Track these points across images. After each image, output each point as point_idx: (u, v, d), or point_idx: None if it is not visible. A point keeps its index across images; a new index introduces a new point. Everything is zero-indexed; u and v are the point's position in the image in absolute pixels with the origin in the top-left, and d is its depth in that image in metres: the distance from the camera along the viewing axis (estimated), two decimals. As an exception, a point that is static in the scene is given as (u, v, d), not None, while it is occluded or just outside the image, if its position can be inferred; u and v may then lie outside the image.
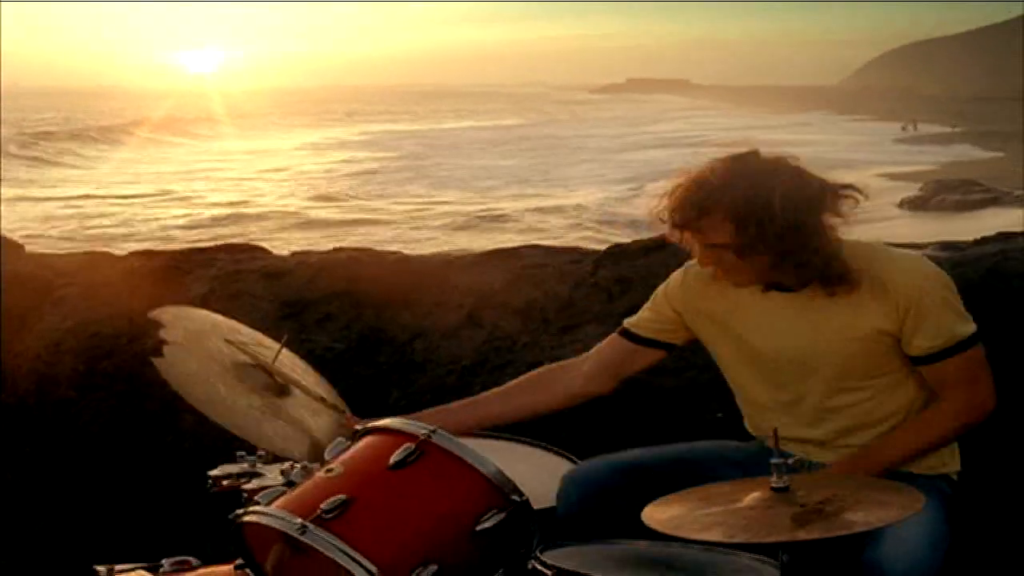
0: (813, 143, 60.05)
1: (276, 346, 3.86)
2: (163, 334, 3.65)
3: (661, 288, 3.73)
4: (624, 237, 7.34)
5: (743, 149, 3.28)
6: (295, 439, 3.51)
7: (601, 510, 3.32)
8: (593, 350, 3.88)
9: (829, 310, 3.29)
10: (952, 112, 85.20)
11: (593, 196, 40.71)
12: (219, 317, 4.07)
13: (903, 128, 77.81)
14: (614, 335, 3.84)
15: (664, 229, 3.37)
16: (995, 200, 34.51)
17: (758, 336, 3.48)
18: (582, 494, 3.41)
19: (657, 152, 57.01)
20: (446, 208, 38.32)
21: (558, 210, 37.29)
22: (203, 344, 3.74)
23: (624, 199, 38.52)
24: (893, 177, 40.23)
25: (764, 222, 3.12)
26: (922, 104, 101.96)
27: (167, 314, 3.82)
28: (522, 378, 3.96)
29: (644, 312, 3.78)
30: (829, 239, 3.21)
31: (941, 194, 35.33)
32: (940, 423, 3.34)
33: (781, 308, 3.36)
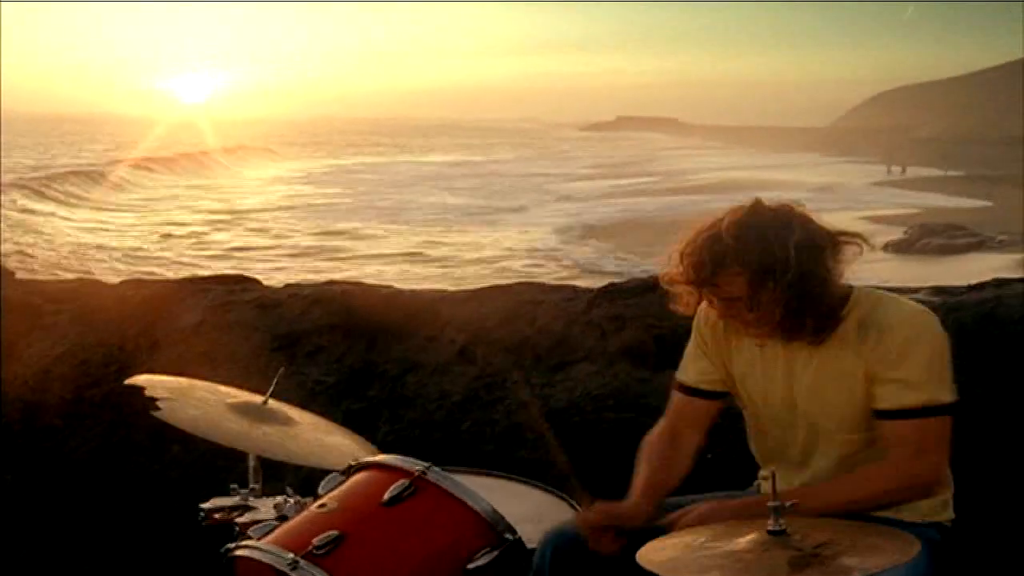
0: (797, 184, 60.36)
1: (252, 396, 3.85)
2: (148, 393, 3.63)
3: (694, 330, 3.65)
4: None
5: (747, 200, 3.27)
6: (319, 455, 3.52)
7: (576, 571, 3.28)
8: (664, 422, 3.69)
9: (829, 360, 3.28)
10: (941, 155, 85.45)
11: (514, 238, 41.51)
12: (190, 379, 4.05)
13: (888, 171, 78.08)
14: (675, 392, 3.69)
15: (677, 290, 3.33)
16: (980, 244, 34.68)
17: (751, 383, 3.48)
18: (556, 557, 3.35)
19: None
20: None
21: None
22: (191, 395, 3.75)
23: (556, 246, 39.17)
24: (875, 220, 40.36)
25: (778, 274, 3.11)
26: (913, 147, 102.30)
27: (140, 380, 3.81)
28: (653, 462, 3.61)
29: (688, 361, 3.66)
30: (837, 287, 3.20)
31: (925, 238, 35.47)
32: (872, 483, 3.25)
33: (778, 358, 3.35)
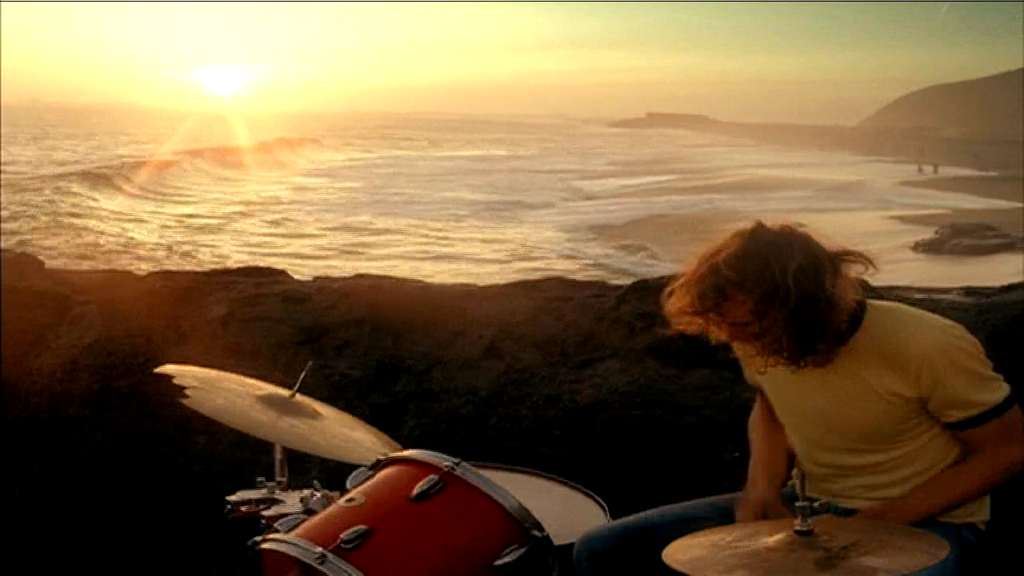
0: (822, 183, 60.15)
1: (279, 389, 3.85)
2: (176, 382, 3.64)
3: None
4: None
5: (748, 225, 3.26)
6: (346, 449, 3.53)
7: (611, 572, 3.31)
8: (754, 461, 3.71)
9: (846, 376, 3.28)
10: (973, 155, 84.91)
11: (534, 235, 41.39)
12: (216, 371, 4.06)
13: (919, 170, 77.68)
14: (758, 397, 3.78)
15: (680, 323, 3.32)
16: (1010, 245, 34.50)
17: (776, 394, 3.54)
18: (593, 561, 3.38)
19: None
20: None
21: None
22: (219, 386, 3.76)
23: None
24: (905, 220, 40.20)
25: (780, 301, 3.10)
26: (943, 147, 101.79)
27: (169, 369, 3.82)
28: (763, 446, 3.71)
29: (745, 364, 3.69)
30: (844, 307, 3.19)
31: (956, 238, 35.31)
32: (970, 479, 3.33)
33: (796, 373, 3.35)
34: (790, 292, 3.08)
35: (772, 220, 3.24)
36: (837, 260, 3.19)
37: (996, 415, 3.25)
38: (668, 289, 3.30)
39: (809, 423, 3.44)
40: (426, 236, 40.76)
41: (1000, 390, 3.27)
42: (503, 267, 32.60)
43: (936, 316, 3.41)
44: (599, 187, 63.86)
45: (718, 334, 3.31)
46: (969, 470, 3.33)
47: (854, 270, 3.22)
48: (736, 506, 3.53)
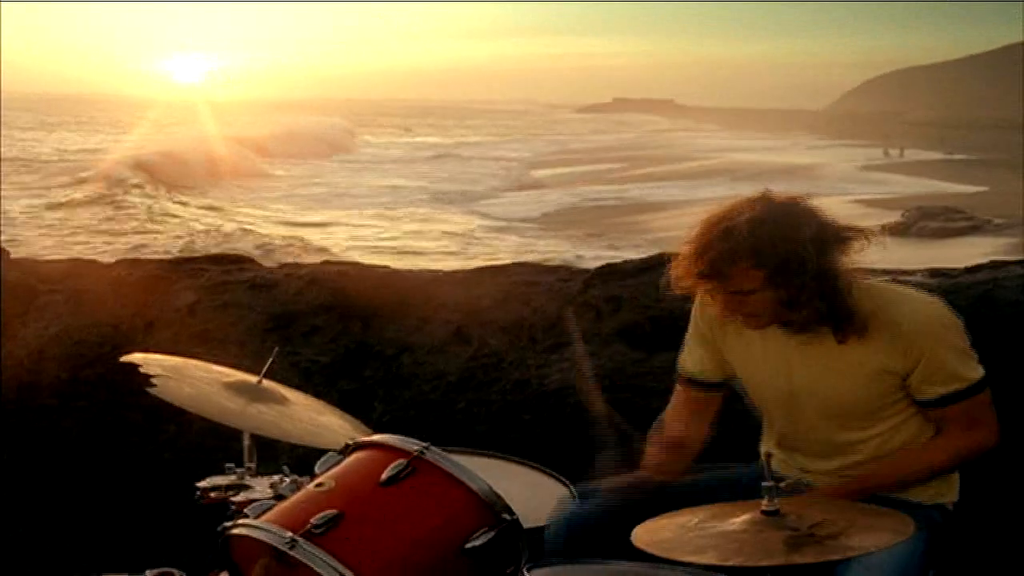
0: (793, 167, 60.00)
1: (247, 375, 3.85)
2: (144, 371, 3.64)
3: (692, 319, 3.68)
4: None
5: (756, 193, 3.27)
6: (313, 435, 3.55)
7: (587, 547, 3.30)
8: (670, 408, 3.75)
9: (833, 351, 3.30)
10: (939, 139, 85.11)
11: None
12: (185, 359, 4.06)
13: (885, 153, 77.81)
14: (677, 382, 3.74)
15: (685, 283, 3.32)
16: (976, 228, 34.64)
17: (749, 370, 3.54)
18: (569, 535, 3.39)
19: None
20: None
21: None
22: (186, 374, 3.76)
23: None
24: (869, 204, 40.22)
25: (796, 268, 3.12)
26: (909, 130, 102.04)
27: (136, 358, 3.81)
28: (660, 451, 3.67)
29: (687, 350, 3.70)
30: (848, 281, 3.21)
31: (922, 221, 35.42)
32: (935, 455, 3.37)
33: (780, 347, 3.36)
34: (805, 261, 3.11)
35: (779, 192, 3.27)
36: (842, 233, 3.22)
37: (972, 394, 3.28)
38: (674, 254, 3.31)
39: (788, 399, 3.44)
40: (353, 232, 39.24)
41: (978, 368, 3.32)
42: (446, 258, 31.75)
43: (919, 291, 3.44)
44: (550, 175, 62.25)
45: (711, 304, 3.33)
46: (936, 447, 3.36)
47: (855, 246, 3.25)
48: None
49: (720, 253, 3.16)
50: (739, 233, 3.14)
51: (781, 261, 3.12)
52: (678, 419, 3.67)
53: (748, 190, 3.33)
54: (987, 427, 3.34)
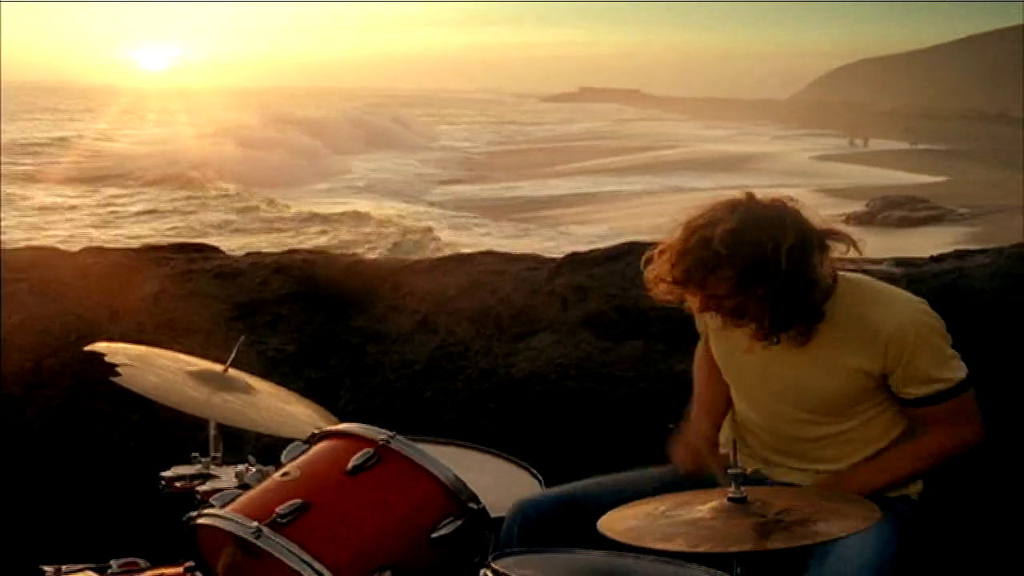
0: (757, 156, 60.05)
1: (212, 364, 3.84)
2: (108, 360, 3.62)
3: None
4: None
5: (739, 194, 3.25)
6: (280, 423, 3.55)
7: (544, 541, 3.30)
8: (696, 402, 3.75)
9: (812, 347, 3.29)
10: (904, 129, 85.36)
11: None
12: (150, 348, 4.04)
13: (851, 143, 78.08)
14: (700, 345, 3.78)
15: (657, 291, 3.31)
16: (940, 217, 34.87)
17: (728, 360, 3.56)
18: (525, 528, 3.38)
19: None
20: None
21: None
22: (152, 363, 3.75)
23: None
24: (832, 193, 40.35)
25: (768, 275, 3.10)
26: (874, 120, 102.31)
27: (100, 347, 3.80)
28: (705, 385, 3.76)
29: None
30: (827, 285, 3.21)
31: (887, 210, 35.60)
32: (918, 457, 3.39)
33: (759, 345, 3.36)
34: (779, 271, 3.09)
35: (763, 194, 3.26)
36: (824, 238, 3.21)
37: (954, 395, 3.29)
38: (648, 255, 3.30)
39: (762, 391, 3.46)
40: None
41: (961, 369, 3.32)
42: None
43: (904, 291, 3.45)
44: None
45: (692, 303, 3.32)
46: (919, 448, 3.38)
47: (837, 249, 3.24)
48: (673, 445, 3.57)
49: (697, 261, 3.14)
50: (717, 243, 3.12)
51: (758, 271, 3.09)
52: (704, 368, 3.73)
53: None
54: (972, 424, 3.36)
